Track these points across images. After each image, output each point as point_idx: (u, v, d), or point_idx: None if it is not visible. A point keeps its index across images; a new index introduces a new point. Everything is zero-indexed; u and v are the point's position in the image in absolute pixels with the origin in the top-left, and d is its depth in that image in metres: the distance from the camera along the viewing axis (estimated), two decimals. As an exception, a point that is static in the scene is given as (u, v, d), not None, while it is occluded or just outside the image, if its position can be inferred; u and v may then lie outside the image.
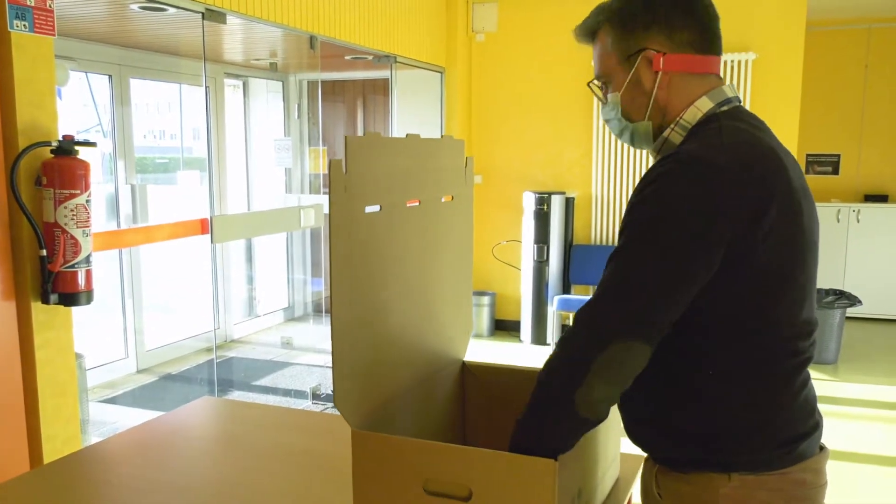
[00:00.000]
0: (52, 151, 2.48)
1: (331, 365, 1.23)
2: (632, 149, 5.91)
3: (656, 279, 1.12)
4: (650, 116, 1.29)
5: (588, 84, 1.40)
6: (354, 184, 1.22)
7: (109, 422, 4.31)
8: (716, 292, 1.15)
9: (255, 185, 6.18)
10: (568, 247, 6.01)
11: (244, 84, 6.09)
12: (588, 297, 1.31)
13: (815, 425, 1.24)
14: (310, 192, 6.13)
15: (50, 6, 2.49)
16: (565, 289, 6.02)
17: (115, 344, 4.93)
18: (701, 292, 1.15)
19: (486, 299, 6.26)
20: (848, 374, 5.31)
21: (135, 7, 3.47)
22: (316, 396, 4.71)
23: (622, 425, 1.38)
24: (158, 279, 5.40)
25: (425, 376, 1.54)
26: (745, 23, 5.48)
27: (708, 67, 1.27)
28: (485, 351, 5.84)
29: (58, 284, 2.49)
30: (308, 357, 5.66)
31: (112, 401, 4.60)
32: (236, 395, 4.88)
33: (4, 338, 2.45)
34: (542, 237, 5.92)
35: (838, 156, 7.23)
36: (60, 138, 2.51)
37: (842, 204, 6.85)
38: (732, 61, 5.51)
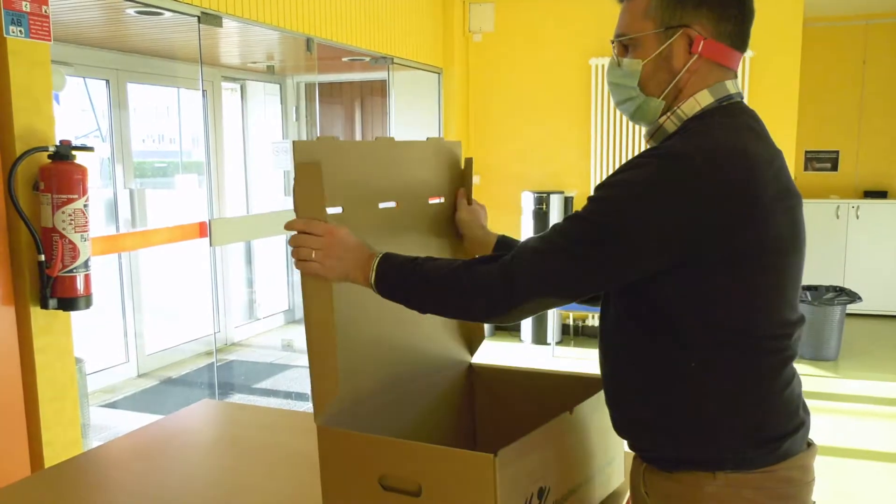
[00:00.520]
0: (49, 157, 2.48)
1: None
2: (630, 147, 5.92)
3: (594, 261, 1.15)
4: (666, 95, 1.25)
5: (612, 41, 1.31)
6: (310, 191, 1.28)
7: (111, 426, 4.31)
8: (694, 295, 1.16)
9: (254, 187, 6.18)
10: (567, 246, 6.00)
11: (242, 87, 6.09)
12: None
13: (800, 423, 1.24)
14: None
15: (46, 12, 2.49)
16: (565, 288, 6.01)
17: (115, 348, 4.93)
18: (680, 295, 1.16)
19: (486, 299, 6.25)
20: (848, 371, 5.31)
21: (131, 12, 3.47)
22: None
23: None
24: (158, 283, 5.40)
25: (416, 377, 1.54)
26: (741, 20, 5.47)
27: (735, 63, 1.26)
28: (485, 351, 5.83)
29: (57, 289, 2.49)
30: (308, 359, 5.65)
31: (113, 405, 4.60)
32: (237, 399, 4.88)
33: (4, 343, 2.45)
34: (541, 237, 5.91)
35: (837, 152, 7.24)
36: (57, 143, 2.51)
37: (841, 200, 6.85)
38: (729, 59, 5.51)
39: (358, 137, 6.88)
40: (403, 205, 1.49)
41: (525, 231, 5.98)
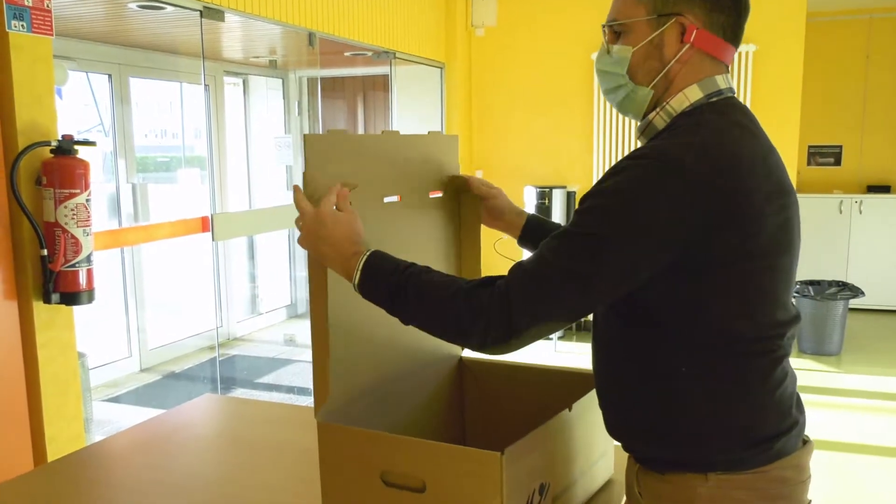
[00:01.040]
0: (51, 151, 2.49)
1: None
2: (632, 141, 5.91)
3: (593, 275, 1.11)
4: (655, 85, 1.23)
5: (603, 25, 1.28)
6: (316, 180, 1.25)
7: (113, 420, 4.33)
8: (684, 296, 1.14)
9: (256, 182, 6.18)
10: (569, 241, 6.00)
11: (244, 82, 6.09)
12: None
13: (793, 423, 1.22)
14: (311, 190, 6.11)
15: (48, 6, 2.49)
16: (567, 283, 6.01)
17: (118, 343, 4.94)
18: (670, 297, 1.15)
19: (488, 294, 6.25)
20: (851, 366, 5.30)
21: (133, 6, 3.47)
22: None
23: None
24: (161, 278, 5.41)
25: (407, 372, 1.54)
26: (745, 14, 5.46)
27: (727, 57, 1.24)
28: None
29: (59, 284, 2.50)
30: (311, 354, 5.66)
31: (116, 400, 4.61)
32: (239, 393, 4.89)
33: (7, 338, 2.45)
34: (543, 232, 5.90)
35: (840, 147, 7.22)
36: (60, 138, 2.51)
37: (844, 195, 6.84)
38: (733, 53, 5.49)
39: (361, 132, 6.88)
40: (406, 198, 1.49)
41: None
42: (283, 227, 5.32)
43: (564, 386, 1.56)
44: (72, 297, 2.53)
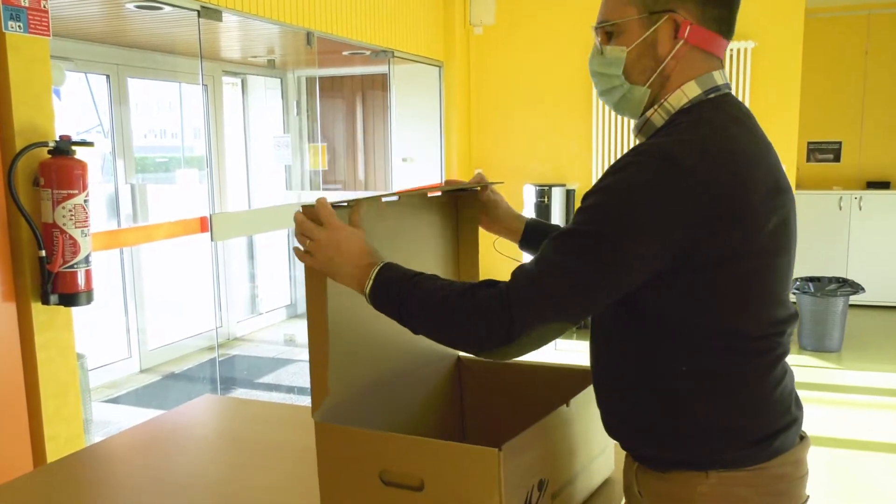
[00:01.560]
0: (49, 152, 2.48)
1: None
2: (632, 140, 5.90)
3: (595, 273, 1.10)
4: (651, 84, 1.22)
5: (594, 27, 1.26)
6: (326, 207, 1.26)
7: (113, 421, 4.32)
8: (683, 295, 1.14)
9: (255, 182, 6.18)
10: (569, 239, 5.99)
11: (242, 81, 6.09)
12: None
13: (792, 420, 1.22)
14: (310, 189, 6.13)
15: (44, 7, 2.49)
16: (567, 281, 6.01)
17: (117, 344, 4.93)
18: (668, 296, 1.14)
19: (488, 293, 6.25)
20: (851, 362, 5.30)
21: (131, 6, 3.46)
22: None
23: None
24: (160, 278, 5.41)
25: (404, 371, 1.54)
26: (743, 10, 5.41)
27: (721, 51, 1.23)
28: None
29: (57, 285, 2.49)
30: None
31: (115, 400, 4.61)
32: (239, 393, 4.89)
33: (5, 339, 2.45)
34: (543, 230, 5.90)
35: (839, 143, 7.21)
36: (57, 139, 2.50)
37: (844, 191, 6.83)
38: (731, 50, 5.49)
39: (359, 131, 6.88)
40: (405, 197, 1.48)
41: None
42: (283, 227, 5.32)
43: (563, 382, 1.56)
44: (70, 298, 2.52)
